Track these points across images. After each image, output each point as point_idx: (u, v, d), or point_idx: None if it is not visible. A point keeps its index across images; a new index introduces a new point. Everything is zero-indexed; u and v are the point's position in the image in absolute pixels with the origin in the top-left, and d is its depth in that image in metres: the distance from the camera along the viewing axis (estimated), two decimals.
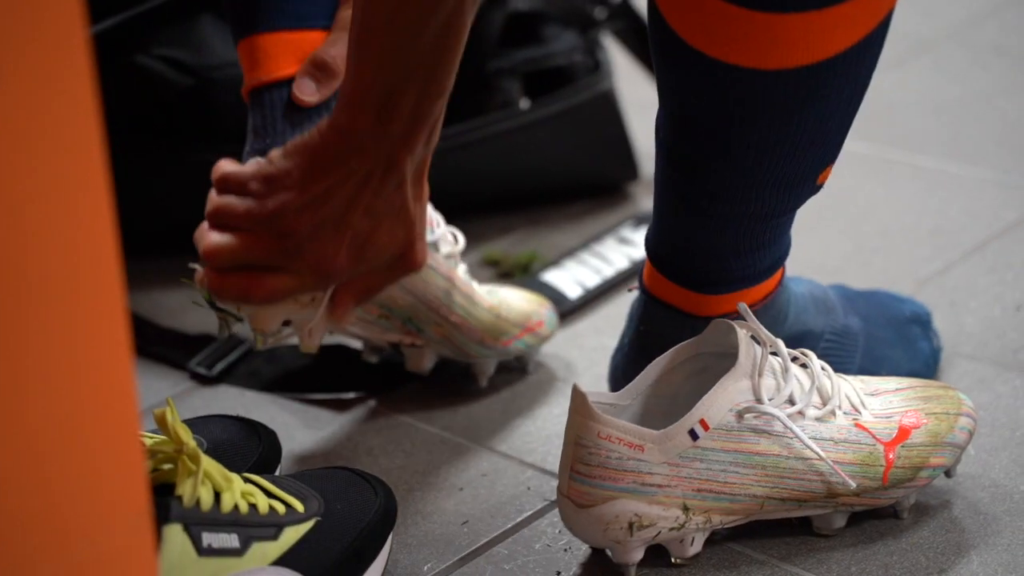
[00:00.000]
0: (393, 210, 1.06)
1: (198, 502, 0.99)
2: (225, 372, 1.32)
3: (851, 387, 1.10)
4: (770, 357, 1.07)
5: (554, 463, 1.19)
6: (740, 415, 1.05)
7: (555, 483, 1.15)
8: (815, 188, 1.11)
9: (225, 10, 1.21)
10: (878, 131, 1.72)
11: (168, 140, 1.46)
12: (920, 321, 1.28)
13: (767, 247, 1.12)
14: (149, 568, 0.74)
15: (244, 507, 1.01)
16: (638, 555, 1.06)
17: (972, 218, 1.53)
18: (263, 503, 1.02)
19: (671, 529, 1.05)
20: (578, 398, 1.04)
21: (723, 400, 1.04)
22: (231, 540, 0.99)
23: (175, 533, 0.97)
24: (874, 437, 1.08)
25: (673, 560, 1.07)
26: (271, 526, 1.01)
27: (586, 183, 1.58)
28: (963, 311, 1.37)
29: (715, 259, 1.12)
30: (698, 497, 1.05)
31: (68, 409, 0.70)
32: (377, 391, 1.29)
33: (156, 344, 1.36)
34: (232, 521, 1.00)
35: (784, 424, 1.05)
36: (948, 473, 1.12)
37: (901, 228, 1.52)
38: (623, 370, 1.17)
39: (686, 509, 1.05)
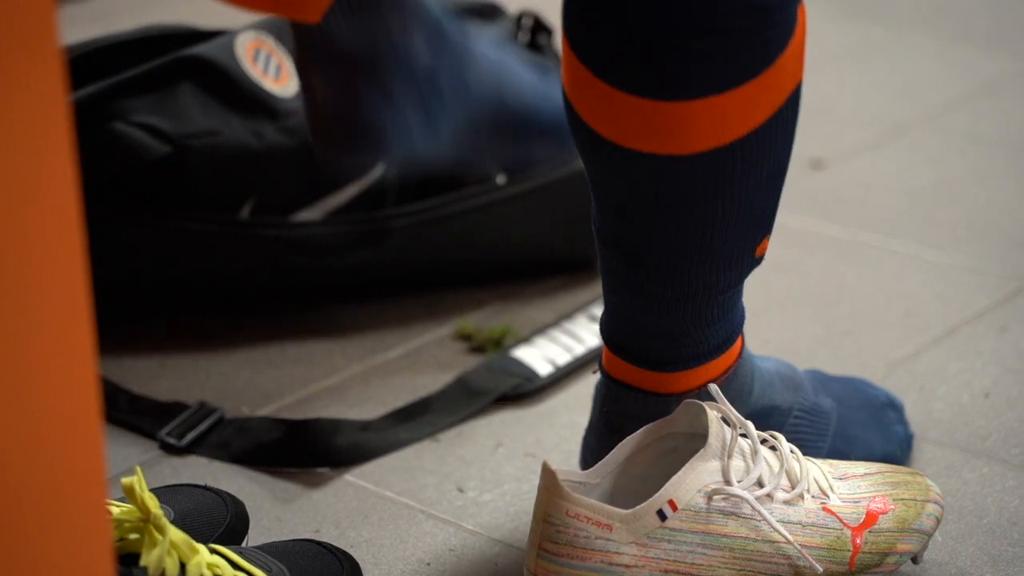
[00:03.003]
0: None
1: (163, 573, 0.98)
2: (195, 442, 1.32)
3: (819, 471, 1.10)
4: (740, 439, 1.07)
5: (522, 540, 1.18)
6: (709, 496, 1.05)
7: (523, 560, 1.15)
8: (755, 261, 1.13)
9: None
10: (851, 214, 1.73)
11: (144, 207, 1.46)
12: (895, 406, 1.29)
13: (717, 322, 1.13)
14: None
15: None
16: None
17: (943, 303, 1.53)
18: (229, 575, 1.01)
19: None
20: (548, 476, 1.04)
21: (692, 481, 1.04)
22: None
23: None
24: (842, 522, 1.08)
25: None
26: None
27: (560, 259, 1.58)
28: (932, 397, 1.37)
29: (666, 339, 1.12)
30: None
31: (35, 475, 0.70)
32: (347, 464, 1.29)
33: (127, 412, 1.36)
34: None
35: (752, 506, 1.05)
36: (915, 559, 1.12)
37: (872, 312, 1.53)
38: (592, 449, 1.17)
39: None
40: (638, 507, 1.04)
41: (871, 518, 1.09)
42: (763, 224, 1.11)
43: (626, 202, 1.09)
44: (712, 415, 1.06)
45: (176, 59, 1.47)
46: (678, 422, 1.09)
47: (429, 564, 1.17)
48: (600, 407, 1.16)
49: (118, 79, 1.45)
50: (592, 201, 1.12)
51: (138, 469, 1.02)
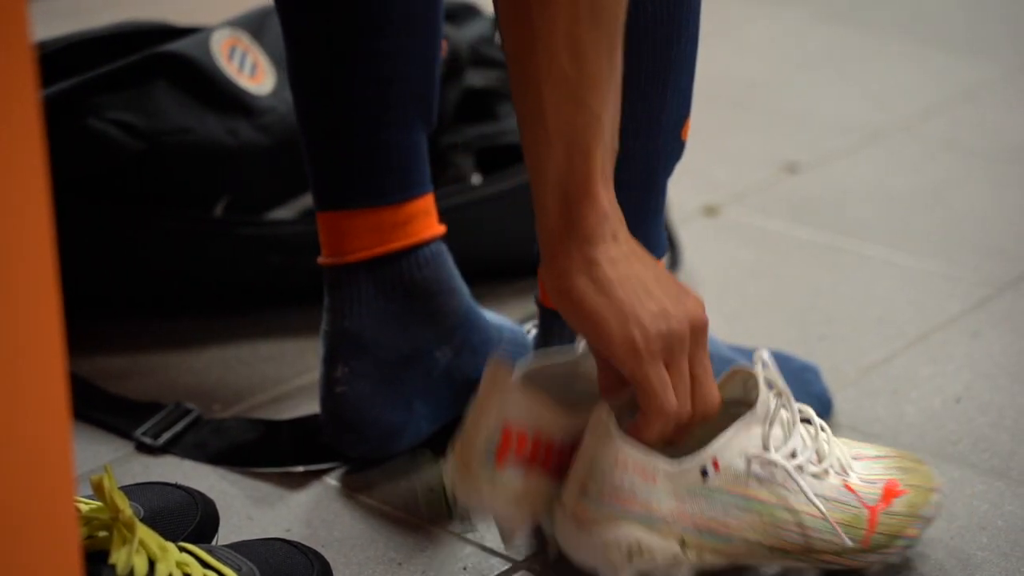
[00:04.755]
0: None
1: (132, 571, 0.98)
2: (171, 442, 1.31)
3: (840, 449, 1.11)
4: (781, 409, 1.08)
5: (494, 541, 1.18)
6: (748, 461, 1.06)
7: (494, 560, 1.15)
8: (680, 144, 1.17)
9: (309, 180, 1.25)
10: (826, 219, 1.73)
11: (118, 203, 1.45)
12: (811, 369, 1.34)
13: (647, 220, 1.18)
14: None
15: None
16: None
17: (917, 309, 1.54)
18: (198, 573, 1.01)
19: (665, 562, 1.05)
20: (600, 423, 1.04)
21: (736, 444, 1.06)
22: None
23: None
24: (860, 500, 1.09)
25: None
26: None
27: (534, 260, 1.58)
28: (904, 401, 1.38)
29: None
30: (696, 534, 1.05)
31: (1, 471, 0.70)
32: (321, 464, 1.28)
33: (102, 410, 1.35)
34: None
35: (789, 475, 1.06)
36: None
37: (846, 316, 1.53)
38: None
39: (683, 544, 1.05)
40: (683, 462, 1.05)
41: (887, 499, 1.10)
42: (689, 98, 1.16)
43: None
44: (762, 381, 1.07)
45: (151, 56, 1.46)
46: (726, 387, 1.10)
47: (400, 564, 1.17)
48: (540, 344, 1.22)
49: (93, 75, 1.44)
50: None
51: (107, 467, 1.01)
